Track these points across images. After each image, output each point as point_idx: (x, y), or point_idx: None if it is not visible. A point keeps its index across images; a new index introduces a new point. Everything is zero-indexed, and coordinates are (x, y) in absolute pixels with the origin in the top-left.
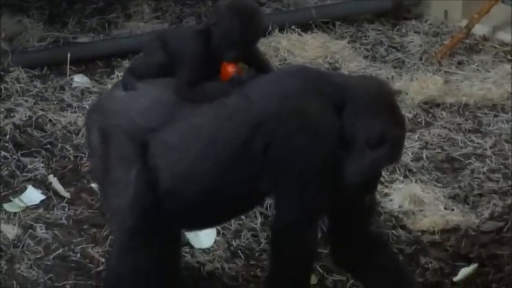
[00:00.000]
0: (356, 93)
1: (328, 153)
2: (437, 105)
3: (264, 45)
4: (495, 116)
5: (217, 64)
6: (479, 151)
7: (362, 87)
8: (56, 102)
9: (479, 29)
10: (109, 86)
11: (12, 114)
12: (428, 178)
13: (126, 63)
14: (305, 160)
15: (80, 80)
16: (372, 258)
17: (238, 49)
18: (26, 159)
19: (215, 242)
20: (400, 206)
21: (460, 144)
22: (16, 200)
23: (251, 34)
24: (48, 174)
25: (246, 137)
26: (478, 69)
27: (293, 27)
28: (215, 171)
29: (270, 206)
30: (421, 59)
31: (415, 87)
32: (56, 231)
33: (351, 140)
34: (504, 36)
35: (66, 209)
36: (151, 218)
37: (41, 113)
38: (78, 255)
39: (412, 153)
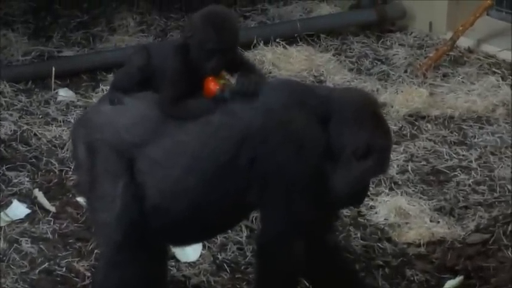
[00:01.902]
0: (341, 105)
1: (314, 166)
2: (423, 118)
3: (249, 58)
4: (480, 128)
5: (200, 79)
6: (464, 163)
7: (347, 98)
8: (41, 116)
9: (464, 42)
10: (94, 100)
11: None
12: (413, 191)
13: (111, 77)
14: (291, 173)
15: (64, 93)
16: (327, 263)
17: (217, 58)
18: (11, 174)
19: (201, 255)
20: (385, 219)
21: (445, 156)
22: (1, 214)
23: (227, 40)
24: (34, 188)
25: (231, 152)
26: (463, 82)
27: (278, 40)
28: (201, 188)
29: (255, 219)
30: (406, 71)
31: (400, 99)
32: (41, 246)
33: (337, 152)
34: (489, 48)
35: (52, 223)
36: (138, 232)
37: (26, 127)
38: (64, 269)
39: (398, 166)
